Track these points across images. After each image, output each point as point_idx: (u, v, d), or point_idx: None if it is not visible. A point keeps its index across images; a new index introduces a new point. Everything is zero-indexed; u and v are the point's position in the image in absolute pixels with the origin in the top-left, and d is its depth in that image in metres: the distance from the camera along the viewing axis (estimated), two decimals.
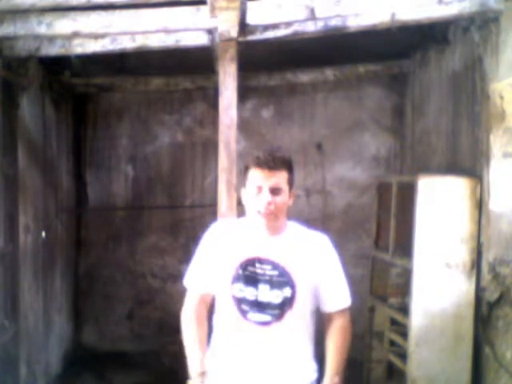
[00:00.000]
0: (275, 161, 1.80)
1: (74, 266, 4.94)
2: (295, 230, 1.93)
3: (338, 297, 1.93)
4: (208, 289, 1.96)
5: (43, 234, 4.08)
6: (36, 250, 3.93)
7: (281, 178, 1.82)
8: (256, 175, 1.82)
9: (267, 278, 1.83)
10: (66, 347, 4.73)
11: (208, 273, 1.94)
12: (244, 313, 1.84)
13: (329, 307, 1.93)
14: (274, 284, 1.83)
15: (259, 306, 1.83)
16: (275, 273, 1.83)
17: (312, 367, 1.95)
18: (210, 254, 1.95)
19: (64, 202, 4.63)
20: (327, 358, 1.90)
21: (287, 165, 1.85)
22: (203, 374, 1.83)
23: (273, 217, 1.82)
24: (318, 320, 1.96)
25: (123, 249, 5.02)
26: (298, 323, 1.87)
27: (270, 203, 1.80)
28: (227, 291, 1.86)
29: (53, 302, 4.37)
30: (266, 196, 1.80)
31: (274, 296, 1.83)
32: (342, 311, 1.93)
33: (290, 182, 1.87)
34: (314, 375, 1.95)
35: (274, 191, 1.81)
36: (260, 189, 1.81)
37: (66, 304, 4.76)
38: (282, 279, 1.83)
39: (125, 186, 4.99)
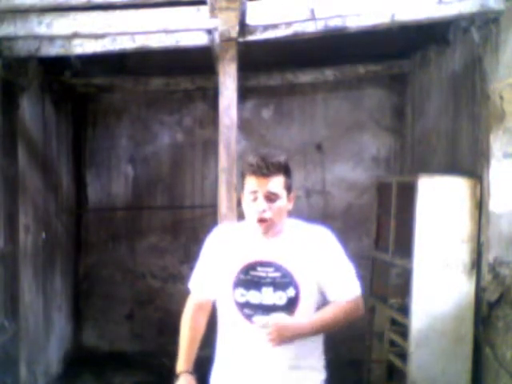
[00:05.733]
0: (269, 167, 1.75)
1: (73, 266, 4.94)
2: (295, 228, 1.91)
3: (346, 287, 1.88)
4: (208, 295, 1.96)
5: (43, 234, 4.08)
6: (36, 250, 3.93)
7: (276, 183, 1.77)
8: (251, 182, 1.78)
9: (270, 280, 1.82)
10: (65, 347, 4.73)
11: (209, 279, 1.94)
12: (248, 317, 1.83)
13: (338, 298, 1.87)
14: (278, 285, 1.81)
15: (264, 309, 1.81)
16: (278, 274, 1.82)
17: (320, 365, 1.94)
18: (211, 259, 1.94)
19: (64, 202, 4.63)
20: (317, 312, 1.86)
21: (283, 169, 1.79)
22: (189, 373, 1.87)
23: (269, 224, 1.79)
24: None
25: (123, 249, 5.02)
26: None
27: (265, 211, 1.76)
28: (228, 297, 1.85)
29: (53, 302, 4.37)
30: (261, 204, 1.76)
31: (278, 298, 1.81)
32: (352, 300, 1.88)
33: (288, 186, 1.82)
34: (323, 374, 1.94)
35: (270, 198, 1.76)
36: (255, 196, 1.77)
37: (66, 304, 4.76)
38: (285, 280, 1.81)
39: (125, 186, 4.99)
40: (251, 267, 1.84)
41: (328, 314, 1.84)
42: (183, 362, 1.90)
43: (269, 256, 1.84)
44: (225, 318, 1.92)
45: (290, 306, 1.81)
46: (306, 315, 1.83)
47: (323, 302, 1.90)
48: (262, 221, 1.78)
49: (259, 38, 3.03)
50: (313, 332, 1.80)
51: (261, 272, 1.83)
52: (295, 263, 1.83)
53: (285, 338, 1.73)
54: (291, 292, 1.81)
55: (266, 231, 1.82)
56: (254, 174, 1.76)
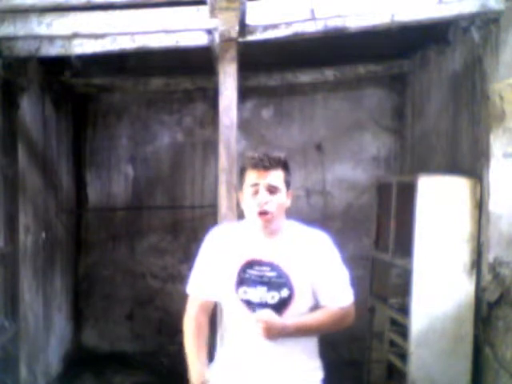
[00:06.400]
0: (270, 160, 1.81)
1: (73, 266, 4.94)
2: (293, 230, 1.92)
3: (339, 294, 1.90)
4: (209, 296, 1.96)
5: (43, 234, 4.08)
6: (36, 251, 3.93)
7: (277, 176, 1.82)
8: (252, 175, 1.82)
9: (266, 279, 1.83)
10: (65, 347, 4.73)
11: (209, 280, 1.95)
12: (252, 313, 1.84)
13: (330, 304, 1.89)
14: (273, 285, 1.83)
15: (260, 307, 1.82)
16: (274, 274, 1.83)
17: (317, 365, 1.95)
18: (210, 260, 1.95)
19: (64, 202, 4.63)
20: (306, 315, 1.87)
21: (283, 164, 1.85)
22: (204, 383, 1.87)
23: (270, 217, 1.81)
24: None
25: (123, 249, 5.02)
26: None
27: (266, 202, 1.80)
28: (233, 295, 1.86)
29: (53, 302, 4.37)
30: (263, 195, 1.80)
31: (270, 297, 1.82)
32: (344, 308, 1.90)
33: (287, 182, 1.86)
34: (320, 374, 1.94)
35: (271, 190, 1.81)
36: (256, 189, 1.81)
37: (66, 304, 4.76)
38: (281, 280, 1.83)
39: (125, 186, 4.99)
40: (249, 266, 1.85)
41: (316, 318, 1.86)
42: (197, 371, 1.88)
43: (266, 256, 1.86)
44: (231, 315, 1.93)
45: (281, 306, 1.82)
46: (297, 317, 1.84)
47: (316, 306, 1.91)
48: (262, 214, 1.81)
49: (259, 38, 3.03)
50: (297, 334, 1.82)
51: (257, 271, 1.84)
52: (292, 264, 1.84)
53: (271, 334, 1.76)
54: (285, 293, 1.82)
55: (266, 225, 1.84)
56: (256, 168, 1.81)
